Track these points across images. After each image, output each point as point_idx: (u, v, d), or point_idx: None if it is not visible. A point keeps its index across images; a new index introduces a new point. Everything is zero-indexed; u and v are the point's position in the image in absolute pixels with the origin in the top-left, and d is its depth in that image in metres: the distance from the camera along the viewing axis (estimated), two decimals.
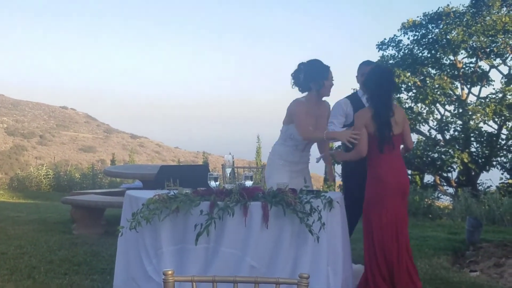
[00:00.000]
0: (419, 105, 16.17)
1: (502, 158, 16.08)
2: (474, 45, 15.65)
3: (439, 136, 16.44)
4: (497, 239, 6.78)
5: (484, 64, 16.46)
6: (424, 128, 16.62)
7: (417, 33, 16.80)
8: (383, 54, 17.18)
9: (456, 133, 15.97)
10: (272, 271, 3.45)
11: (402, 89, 16.20)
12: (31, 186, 14.19)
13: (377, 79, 4.22)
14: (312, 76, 4.34)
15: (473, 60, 16.47)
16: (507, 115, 14.88)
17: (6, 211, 8.89)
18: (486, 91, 16.45)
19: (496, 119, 15.45)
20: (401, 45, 17.04)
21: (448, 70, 16.53)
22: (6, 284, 4.44)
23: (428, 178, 16.07)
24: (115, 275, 4.01)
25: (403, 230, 4.18)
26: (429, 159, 15.57)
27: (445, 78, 15.86)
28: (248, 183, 3.80)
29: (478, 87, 16.55)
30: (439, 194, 15.31)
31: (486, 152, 15.79)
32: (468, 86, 16.70)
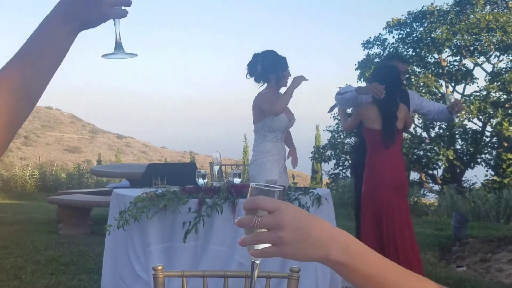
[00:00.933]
0: None
1: (487, 155, 16.22)
2: (458, 44, 15.77)
3: (424, 134, 16.55)
4: (482, 234, 6.85)
5: (468, 62, 16.60)
6: None
7: (402, 32, 16.89)
8: (368, 52, 17.25)
9: (441, 130, 16.08)
10: (261, 268, 3.45)
11: None
12: (16, 186, 14.05)
13: (385, 77, 4.26)
14: (271, 67, 4.32)
15: (457, 58, 16.59)
16: (491, 112, 15.02)
17: None
18: (470, 89, 16.59)
19: (481, 117, 15.59)
20: (386, 43, 17.11)
21: (433, 68, 16.64)
22: None
23: (414, 175, 16.18)
24: (102, 274, 3.99)
25: (402, 226, 4.16)
26: (415, 156, 15.67)
27: (430, 76, 15.97)
28: (237, 180, 3.80)
29: (463, 85, 16.68)
30: (425, 192, 15.42)
31: (471, 149, 15.93)
32: (453, 84, 16.82)
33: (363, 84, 16.76)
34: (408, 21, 16.81)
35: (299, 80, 4.26)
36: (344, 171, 16.73)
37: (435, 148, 15.19)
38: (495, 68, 16.18)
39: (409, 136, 16.46)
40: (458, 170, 15.95)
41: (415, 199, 10.49)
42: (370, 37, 17.35)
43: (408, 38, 16.62)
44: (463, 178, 15.94)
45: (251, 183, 0.92)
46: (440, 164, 15.79)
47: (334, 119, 17.44)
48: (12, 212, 8.87)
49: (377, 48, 17.20)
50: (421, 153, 15.68)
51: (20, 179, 14.23)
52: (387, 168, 4.20)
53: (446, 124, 15.75)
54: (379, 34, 17.26)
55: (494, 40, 15.35)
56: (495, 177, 15.70)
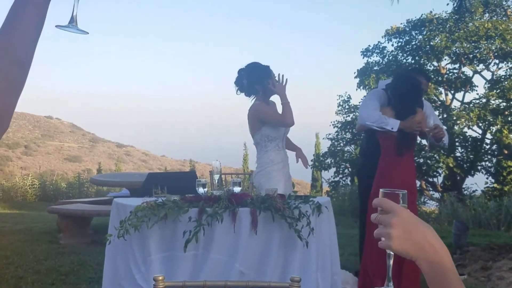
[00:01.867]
0: None
1: (487, 163, 16.22)
2: (457, 51, 15.81)
3: (424, 142, 16.54)
4: (483, 242, 6.83)
5: (467, 70, 16.63)
6: None
7: (401, 40, 16.93)
8: (367, 60, 17.29)
9: None
10: (262, 277, 3.45)
11: None
12: (16, 196, 14.03)
13: (408, 91, 4.27)
14: (256, 78, 4.37)
15: (457, 66, 16.62)
16: (491, 120, 15.03)
17: None
18: (470, 96, 16.65)
19: (480, 124, 15.60)
20: (385, 51, 17.15)
21: (432, 76, 16.67)
22: None
23: None
24: (103, 284, 3.98)
25: None
26: (415, 164, 15.67)
27: (429, 84, 15.99)
28: (237, 189, 3.80)
29: (462, 92, 16.71)
30: (426, 199, 15.41)
31: (471, 156, 15.93)
32: (452, 91, 16.85)
33: (363, 92, 16.80)
34: (407, 29, 16.86)
35: (283, 86, 4.31)
36: (344, 179, 16.73)
37: (435, 155, 15.19)
38: (495, 76, 16.21)
39: None
40: (458, 178, 15.94)
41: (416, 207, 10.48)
42: (369, 45, 17.40)
43: (407, 46, 16.66)
44: (464, 186, 15.93)
45: (381, 189, 1.09)
46: (440, 171, 15.80)
47: (334, 127, 17.46)
48: (13, 222, 8.86)
49: (376, 56, 17.25)
50: (421, 160, 15.67)
51: (20, 188, 14.21)
52: (398, 173, 4.21)
53: (446, 131, 15.74)
54: (378, 42, 17.32)
55: (493, 48, 15.39)
56: (495, 185, 15.68)
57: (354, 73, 17.31)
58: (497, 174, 15.94)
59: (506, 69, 16.11)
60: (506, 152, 15.65)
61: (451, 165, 14.99)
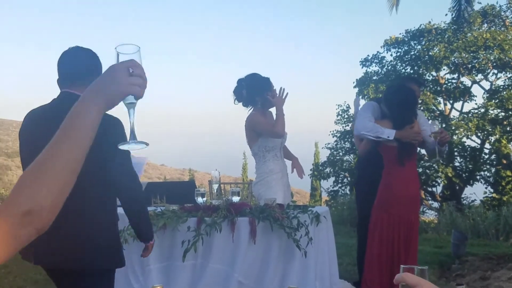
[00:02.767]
0: None
1: (486, 172, 16.25)
2: (456, 61, 15.88)
3: (423, 151, 16.57)
4: (482, 252, 6.83)
5: (466, 80, 16.71)
6: None
7: (399, 50, 17.01)
8: (366, 70, 17.37)
9: None
10: (260, 287, 3.45)
11: None
12: None
13: (404, 101, 4.28)
14: (256, 90, 4.36)
15: (455, 76, 16.69)
16: (490, 129, 15.07)
17: None
18: (468, 106, 16.64)
19: (479, 134, 15.64)
20: (384, 61, 17.22)
21: (431, 86, 16.73)
22: None
23: None
24: None
25: (409, 241, 4.18)
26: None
27: (428, 94, 16.05)
28: (235, 198, 3.81)
29: (461, 102, 16.77)
30: (425, 209, 15.41)
31: (470, 166, 15.95)
32: (451, 101, 16.90)
33: (362, 102, 16.80)
34: (406, 39, 16.93)
35: (282, 99, 4.34)
36: (343, 188, 16.74)
37: (434, 165, 15.21)
38: (493, 86, 16.27)
39: None
40: (457, 187, 15.95)
41: None
42: (368, 55, 17.49)
43: (406, 56, 16.73)
44: (462, 195, 15.94)
45: (402, 265, 1.15)
46: (439, 181, 15.82)
47: (333, 137, 17.48)
48: None
49: (375, 66, 17.32)
50: (420, 170, 15.69)
51: None
52: (401, 183, 4.22)
53: None
54: (377, 52, 17.40)
55: (492, 58, 15.46)
56: (494, 194, 15.70)
57: (353, 82, 17.36)
58: (495, 184, 15.96)
59: (505, 79, 16.21)
60: (504, 162, 15.67)
61: (450, 174, 15.01)
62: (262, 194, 4.36)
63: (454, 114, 16.75)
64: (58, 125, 1.11)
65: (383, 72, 16.97)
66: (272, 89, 4.41)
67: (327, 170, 17.08)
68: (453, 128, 15.22)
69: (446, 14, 16.10)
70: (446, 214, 10.26)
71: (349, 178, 16.68)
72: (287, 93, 4.37)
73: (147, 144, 1.21)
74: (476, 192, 15.59)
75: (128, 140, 1.20)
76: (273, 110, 4.48)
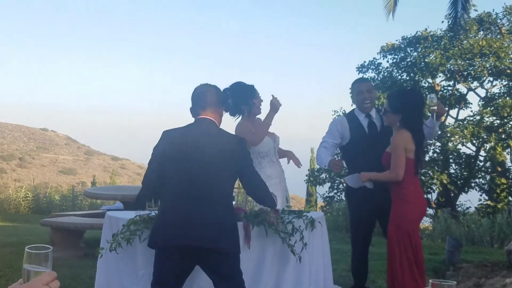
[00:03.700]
0: None
1: (481, 180, 16.26)
2: (452, 68, 15.91)
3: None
4: (477, 259, 6.83)
5: (461, 87, 16.73)
6: None
7: (396, 56, 17.04)
8: (363, 76, 17.37)
9: (435, 154, 16.14)
10: None
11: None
12: (10, 208, 13.96)
13: (414, 102, 4.26)
14: (241, 98, 4.35)
15: (451, 83, 16.72)
16: (485, 137, 15.09)
17: None
18: (464, 113, 16.68)
19: (474, 141, 15.66)
20: (380, 68, 17.25)
21: (427, 93, 16.75)
22: None
23: None
24: None
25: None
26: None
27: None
28: None
29: (456, 109, 16.80)
30: None
31: (465, 173, 15.97)
32: (446, 108, 16.93)
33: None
34: (402, 46, 16.97)
35: (276, 106, 4.34)
36: (338, 194, 16.72)
37: (429, 172, 15.23)
38: (489, 93, 16.31)
39: None
40: (452, 194, 15.97)
41: None
42: (364, 61, 17.51)
43: (402, 63, 16.77)
44: (457, 203, 15.94)
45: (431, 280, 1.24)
46: (434, 188, 15.82)
47: (319, 145, 17.47)
48: (5, 234, 8.81)
49: (372, 72, 17.35)
50: None
51: (13, 201, 14.15)
52: (418, 196, 4.24)
53: (440, 148, 15.81)
54: (374, 58, 17.43)
55: (488, 65, 15.49)
56: (488, 202, 15.72)
57: (350, 88, 17.37)
58: (490, 191, 15.98)
59: (500, 87, 16.23)
60: (499, 169, 15.71)
61: (445, 181, 15.02)
62: None
63: (450, 121, 16.80)
64: (197, 145, 1.91)
65: (379, 79, 17.00)
66: (257, 96, 4.42)
67: (323, 176, 17.06)
68: (449, 135, 15.25)
69: (443, 21, 16.15)
70: (441, 221, 10.27)
71: (344, 185, 16.66)
72: (279, 103, 4.39)
73: None
74: (471, 199, 15.63)
75: None
76: (262, 116, 4.47)
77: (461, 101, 16.56)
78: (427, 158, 16.18)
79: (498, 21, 16.50)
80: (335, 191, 16.82)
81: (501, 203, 15.22)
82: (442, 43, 16.05)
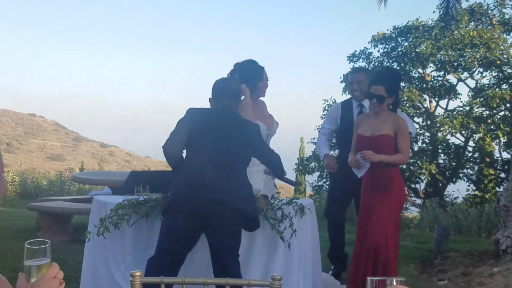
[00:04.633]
0: None
1: (469, 170, 16.35)
2: (442, 59, 15.92)
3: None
4: (464, 248, 6.86)
5: (452, 78, 16.76)
6: None
7: (387, 46, 17.01)
8: (353, 66, 17.33)
9: (424, 145, 16.19)
10: (244, 275, 3.42)
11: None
12: None
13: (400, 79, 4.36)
14: (247, 77, 4.25)
15: (441, 73, 16.74)
16: (474, 127, 15.16)
17: None
18: (453, 104, 16.72)
19: (463, 132, 15.72)
20: (371, 57, 17.21)
21: (417, 83, 16.77)
22: None
23: None
24: (81, 283, 3.93)
25: None
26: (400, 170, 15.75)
27: (414, 90, 16.08)
28: None
29: (446, 100, 16.83)
30: (408, 205, 15.48)
31: (453, 164, 16.05)
32: (436, 99, 16.97)
33: (348, 96, 16.81)
34: (393, 36, 16.94)
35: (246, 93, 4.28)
36: (327, 183, 16.74)
37: (418, 162, 15.27)
38: (478, 84, 16.35)
39: None
40: (440, 184, 16.05)
41: None
42: (355, 51, 17.45)
43: (393, 53, 16.75)
44: (445, 193, 16.04)
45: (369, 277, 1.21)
46: (422, 178, 15.88)
47: (319, 132, 17.47)
48: None
49: (362, 62, 17.30)
50: (404, 166, 15.75)
51: None
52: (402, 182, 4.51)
53: (429, 138, 15.87)
54: (365, 47, 17.38)
55: (478, 56, 15.53)
56: (476, 192, 15.82)
57: (340, 78, 17.33)
58: (478, 181, 16.08)
59: (490, 78, 16.28)
60: (488, 160, 15.79)
61: (433, 171, 15.09)
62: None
63: (439, 111, 16.84)
64: (221, 127, 3.15)
65: (370, 68, 16.98)
66: (264, 79, 4.35)
67: (312, 164, 17.06)
68: (438, 125, 15.30)
69: (434, 12, 16.10)
70: (429, 211, 10.32)
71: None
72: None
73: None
74: (459, 189, 15.72)
75: None
76: (264, 99, 4.44)
77: (451, 91, 16.59)
78: (416, 148, 16.27)
79: (489, 12, 16.52)
80: (324, 180, 16.84)
81: (488, 194, 15.32)
82: (433, 33, 16.04)
